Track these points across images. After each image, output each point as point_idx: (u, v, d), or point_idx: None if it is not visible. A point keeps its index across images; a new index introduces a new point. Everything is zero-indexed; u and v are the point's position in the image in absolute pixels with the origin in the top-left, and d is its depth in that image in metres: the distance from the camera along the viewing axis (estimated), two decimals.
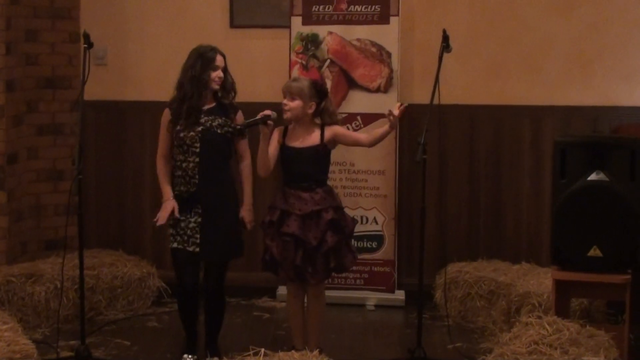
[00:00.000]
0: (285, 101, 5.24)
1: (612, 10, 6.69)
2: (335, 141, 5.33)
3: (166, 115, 5.30)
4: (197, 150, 5.23)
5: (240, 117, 5.34)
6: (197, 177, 5.24)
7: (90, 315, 6.23)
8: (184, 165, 5.25)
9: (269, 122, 5.11)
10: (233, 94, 5.36)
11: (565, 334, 4.63)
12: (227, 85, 5.32)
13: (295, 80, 5.38)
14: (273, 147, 5.25)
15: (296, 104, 5.22)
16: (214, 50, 5.28)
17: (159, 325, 6.29)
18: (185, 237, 5.26)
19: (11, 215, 6.58)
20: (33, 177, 6.87)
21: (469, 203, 6.89)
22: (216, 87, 5.25)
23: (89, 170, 6.90)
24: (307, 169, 5.27)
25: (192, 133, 5.21)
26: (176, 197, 5.28)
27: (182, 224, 5.26)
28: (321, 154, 5.29)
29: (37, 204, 6.88)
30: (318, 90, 5.30)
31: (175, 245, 5.30)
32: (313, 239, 5.16)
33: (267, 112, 5.11)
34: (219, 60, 5.26)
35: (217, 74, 5.24)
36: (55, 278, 6.04)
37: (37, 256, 6.64)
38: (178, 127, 5.22)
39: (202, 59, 5.23)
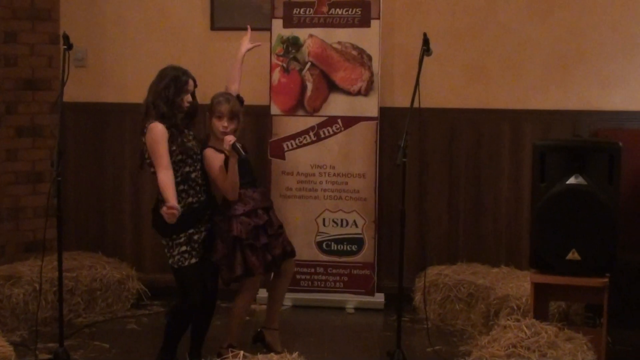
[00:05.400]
0: (227, 123, 5.29)
1: (591, 15, 6.72)
2: None
3: (163, 130, 5.08)
4: (199, 157, 5.24)
5: None
6: (204, 185, 5.24)
7: (69, 317, 6.22)
8: (192, 175, 5.18)
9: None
10: (193, 124, 5.34)
11: (544, 336, 4.65)
12: (191, 110, 5.25)
13: (230, 99, 5.36)
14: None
15: (236, 123, 5.34)
16: (187, 74, 5.22)
17: (138, 327, 6.27)
18: (203, 250, 5.22)
19: None
20: (12, 179, 6.84)
21: (449, 206, 6.90)
22: (185, 110, 5.19)
23: (68, 172, 6.87)
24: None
25: (195, 142, 5.22)
26: (186, 211, 5.10)
27: (196, 237, 5.19)
28: None
29: (15, 206, 6.85)
30: None
31: (194, 260, 5.18)
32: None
33: (231, 138, 5.14)
34: (191, 84, 5.21)
35: (187, 98, 5.18)
36: (34, 280, 6.02)
37: (15, 258, 6.62)
38: (184, 139, 5.15)
39: (175, 83, 5.16)
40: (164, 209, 4.97)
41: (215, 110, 5.29)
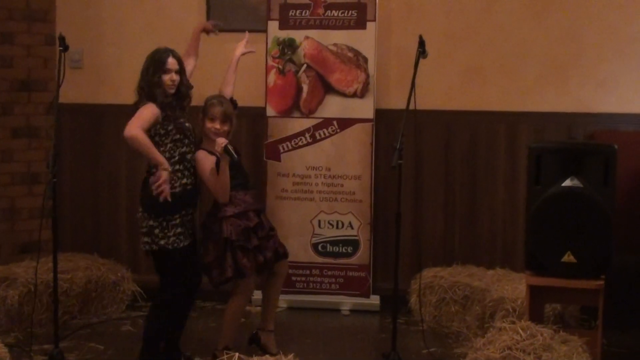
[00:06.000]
0: (219, 126, 5.30)
1: (586, 17, 6.73)
2: None
3: (155, 109, 5.07)
4: (194, 139, 5.27)
5: None
6: (196, 167, 5.26)
7: (64, 319, 6.21)
8: (188, 156, 5.18)
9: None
10: (188, 100, 5.29)
11: (539, 339, 4.64)
12: (182, 89, 5.23)
13: (223, 102, 5.38)
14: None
15: (229, 126, 5.37)
16: (167, 53, 5.21)
17: (133, 329, 6.26)
18: (192, 230, 5.26)
19: None
20: (7, 180, 6.83)
21: (445, 208, 6.91)
22: (171, 90, 5.17)
23: (64, 173, 6.87)
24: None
25: (189, 123, 5.23)
26: (180, 192, 5.12)
27: (186, 219, 5.21)
28: None
29: (11, 207, 6.84)
30: None
31: (187, 242, 5.20)
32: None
33: (223, 140, 5.15)
34: (171, 63, 5.18)
35: (170, 77, 5.16)
36: (29, 282, 6.01)
37: (11, 260, 6.61)
38: (181, 120, 5.16)
39: (154, 62, 5.17)
40: (158, 174, 4.99)
41: (209, 112, 5.30)
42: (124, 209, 7.05)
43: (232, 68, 5.67)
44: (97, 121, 7.08)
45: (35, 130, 6.92)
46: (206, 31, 5.83)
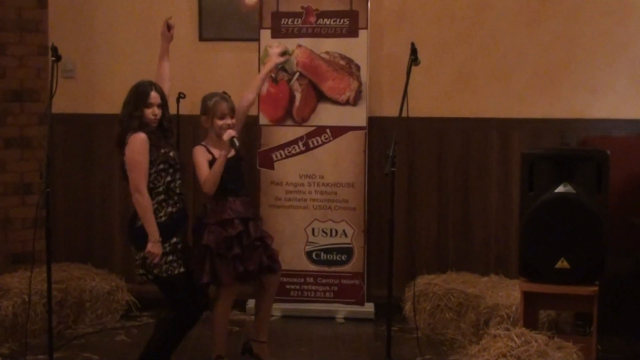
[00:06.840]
0: (231, 121, 5.31)
1: (579, 23, 6.75)
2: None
3: (145, 140, 5.07)
4: (179, 167, 5.24)
5: None
6: (182, 193, 5.24)
7: (59, 329, 6.19)
8: (172, 185, 5.17)
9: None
10: (171, 133, 5.30)
11: (534, 345, 4.64)
12: (165, 123, 5.23)
13: (226, 97, 5.40)
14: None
15: (236, 119, 5.39)
16: (150, 86, 5.18)
17: (127, 339, 6.24)
18: (184, 259, 5.23)
19: None
20: (0, 190, 6.82)
21: (438, 215, 6.91)
22: (153, 125, 5.15)
23: (57, 183, 6.86)
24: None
25: (174, 152, 5.22)
26: (167, 220, 5.14)
27: (179, 246, 5.20)
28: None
29: (4, 217, 6.82)
30: None
31: (182, 269, 5.18)
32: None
33: (233, 132, 5.19)
34: (153, 97, 5.16)
35: (152, 111, 5.15)
36: (23, 292, 5.99)
37: (4, 270, 6.58)
38: (163, 150, 5.15)
39: (136, 95, 5.15)
40: (150, 246, 5.03)
41: (217, 110, 5.29)
42: (117, 218, 7.03)
43: (262, 76, 5.77)
44: (89, 131, 7.07)
45: (28, 140, 6.91)
46: (168, 29, 5.69)
